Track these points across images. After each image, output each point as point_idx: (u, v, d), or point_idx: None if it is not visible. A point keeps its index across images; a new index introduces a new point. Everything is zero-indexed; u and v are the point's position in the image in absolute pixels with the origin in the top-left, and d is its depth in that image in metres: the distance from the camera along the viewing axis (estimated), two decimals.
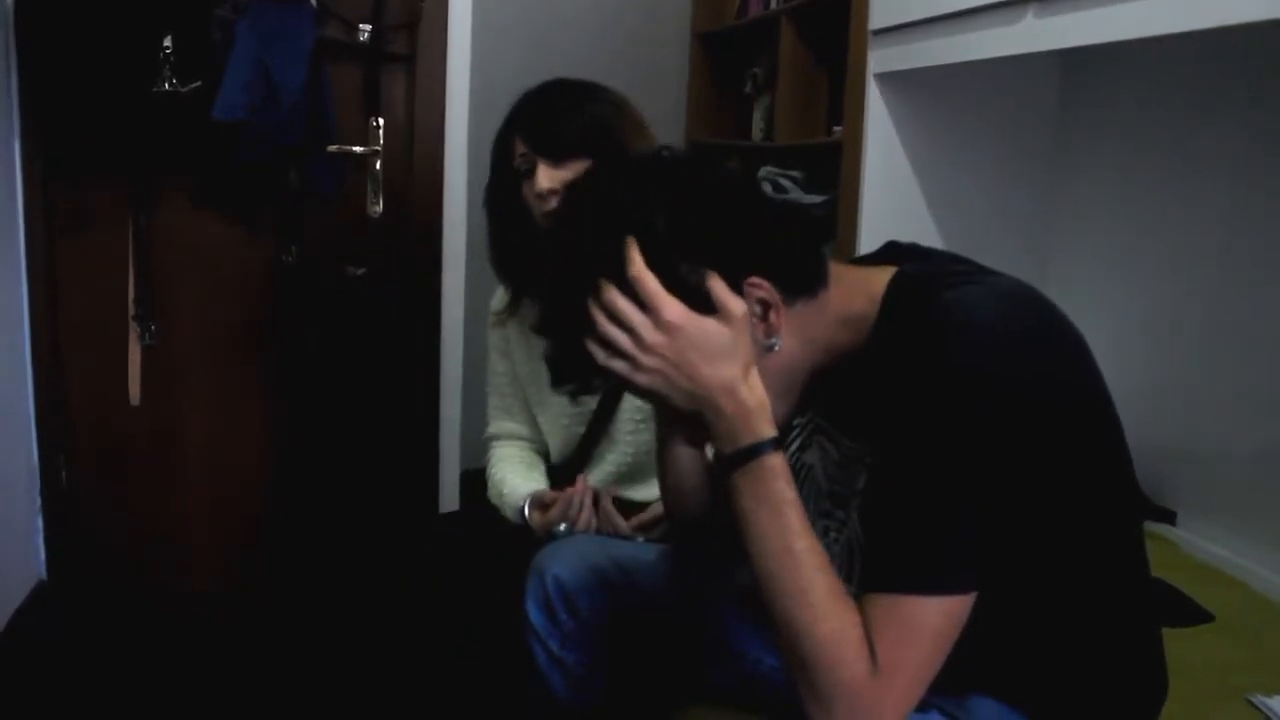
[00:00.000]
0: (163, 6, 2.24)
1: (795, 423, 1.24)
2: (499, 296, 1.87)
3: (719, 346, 1.03)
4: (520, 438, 1.90)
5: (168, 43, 2.25)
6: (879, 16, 2.05)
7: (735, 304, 1.03)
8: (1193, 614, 1.62)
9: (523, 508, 1.73)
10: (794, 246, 1.10)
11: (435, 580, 1.84)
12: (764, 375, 1.05)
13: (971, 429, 0.95)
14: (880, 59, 2.06)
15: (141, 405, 2.53)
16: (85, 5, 2.21)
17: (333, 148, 2.43)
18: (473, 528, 1.88)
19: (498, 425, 1.92)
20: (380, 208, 2.50)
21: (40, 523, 2.49)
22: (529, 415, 1.88)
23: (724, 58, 3.41)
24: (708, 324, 1.02)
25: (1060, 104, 2.17)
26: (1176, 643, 1.18)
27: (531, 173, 1.63)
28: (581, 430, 1.81)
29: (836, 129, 2.60)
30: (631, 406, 1.77)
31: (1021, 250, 2.17)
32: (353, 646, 2.40)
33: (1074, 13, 1.54)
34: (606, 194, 1.09)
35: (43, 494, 2.49)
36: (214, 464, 2.61)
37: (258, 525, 2.67)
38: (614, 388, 1.59)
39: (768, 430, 1.03)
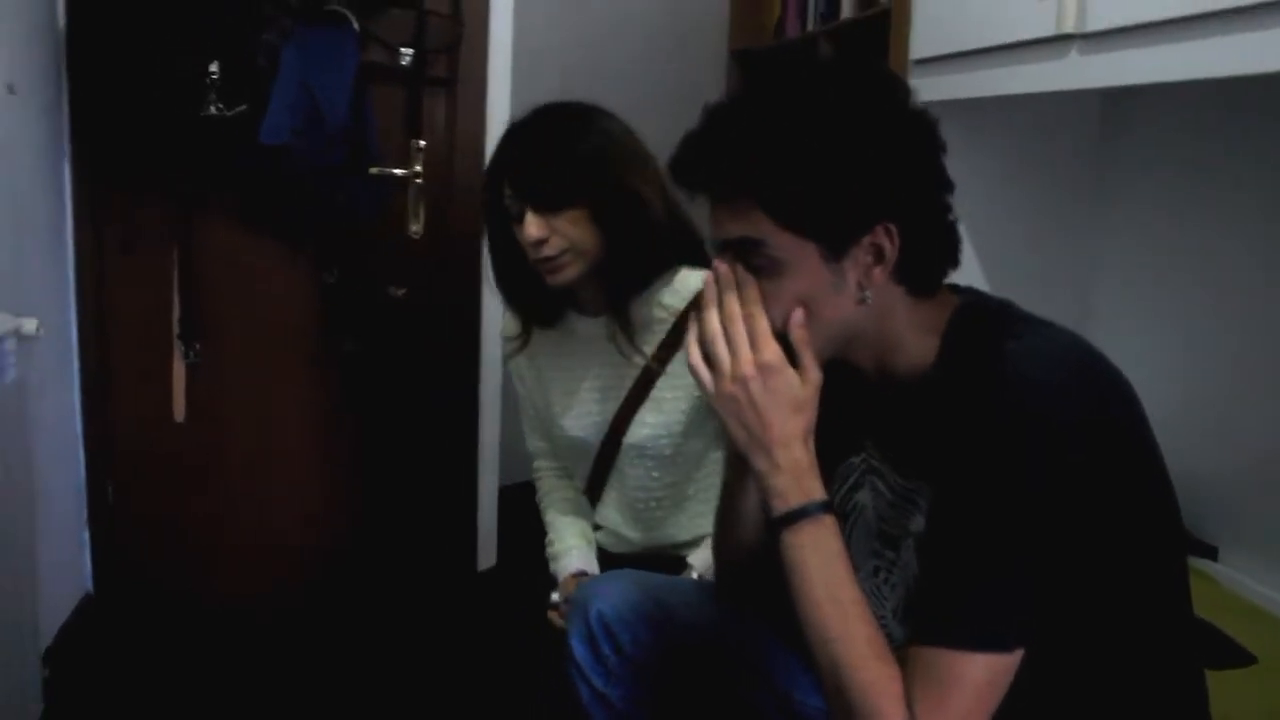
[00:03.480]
0: (210, 33, 2.27)
1: (850, 462, 1.26)
2: (508, 323, 1.85)
3: (794, 400, 1.07)
4: (559, 467, 1.93)
5: (214, 68, 2.28)
6: (920, 46, 2.05)
7: (815, 372, 1.07)
8: (1234, 655, 1.61)
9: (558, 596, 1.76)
10: (944, 239, 1.12)
11: (476, 602, 1.87)
12: (822, 310, 1.08)
13: (1026, 485, 0.96)
14: (922, 89, 2.06)
15: (186, 422, 2.56)
16: (135, 31, 2.24)
17: (375, 170, 2.46)
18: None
19: (533, 443, 1.94)
20: (421, 228, 2.52)
21: (86, 537, 2.53)
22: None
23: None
24: (793, 376, 1.07)
25: (1100, 139, 2.16)
26: (1216, 685, 1.17)
27: (521, 217, 1.58)
28: (589, 465, 1.81)
29: None
30: (636, 451, 1.75)
31: (1062, 282, 2.17)
32: (397, 664, 2.43)
33: (1119, 51, 1.54)
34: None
35: (89, 509, 2.52)
36: (257, 480, 2.64)
37: (300, 541, 2.70)
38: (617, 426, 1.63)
39: (818, 491, 1.05)
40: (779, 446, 1.06)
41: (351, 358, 2.61)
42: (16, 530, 1.88)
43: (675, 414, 1.70)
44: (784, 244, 1.05)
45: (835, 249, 1.06)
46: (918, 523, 1.14)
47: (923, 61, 2.05)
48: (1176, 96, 1.94)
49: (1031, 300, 2.04)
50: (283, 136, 2.26)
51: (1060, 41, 1.64)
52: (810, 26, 3.11)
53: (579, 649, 1.44)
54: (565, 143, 1.59)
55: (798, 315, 1.07)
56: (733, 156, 1.05)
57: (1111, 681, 1.07)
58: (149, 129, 2.34)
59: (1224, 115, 1.87)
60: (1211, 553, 1.90)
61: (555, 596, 1.75)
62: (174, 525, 2.61)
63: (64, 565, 2.42)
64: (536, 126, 1.62)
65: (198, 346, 2.52)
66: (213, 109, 2.29)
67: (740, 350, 1.07)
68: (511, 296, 1.76)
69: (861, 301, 1.08)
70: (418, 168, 2.50)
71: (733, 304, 1.08)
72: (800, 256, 1.06)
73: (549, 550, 1.84)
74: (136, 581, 2.57)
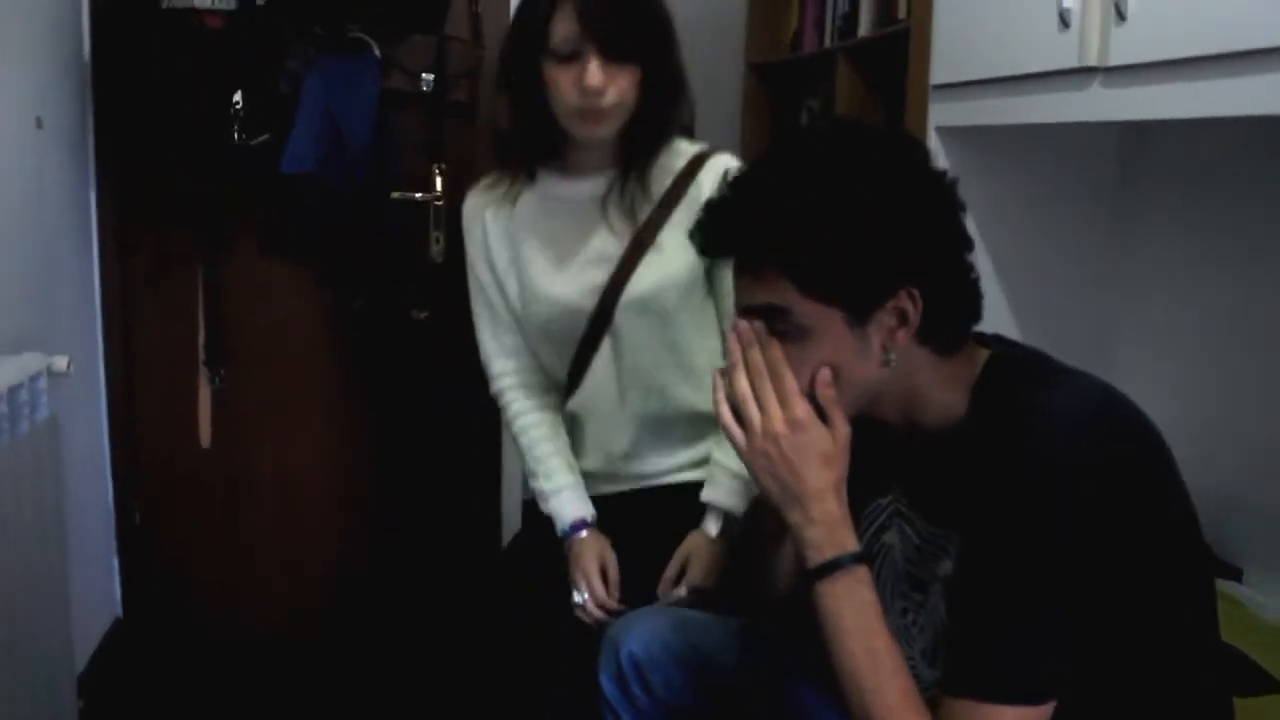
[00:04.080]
0: (234, 63, 2.29)
1: (878, 503, 1.27)
2: (484, 183, 1.79)
3: (825, 454, 1.09)
4: (524, 375, 1.83)
5: (238, 98, 2.30)
6: (939, 72, 2.05)
7: (844, 426, 1.09)
8: (1261, 682, 1.61)
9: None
10: (966, 298, 1.14)
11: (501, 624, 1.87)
12: (847, 374, 1.10)
13: (1055, 532, 0.98)
14: (941, 113, 2.07)
15: (212, 447, 2.59)
16: (159, 63, 2.28)
17: (397, 194, 2.48)
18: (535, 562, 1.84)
19: (493, 350, 1.83)
20: (443, 252, 2.54)
21: (116, 562, 2.56)
22: (519, 337, 1.80)
23: (778, 89, 3.42)
24: (823, 430, 1.09)
25: (1121, 169, 2.16)
26: (1244, 714, 1.18)
27: (574, 58, 1.53)
28: (576, 339, 1.73)
29: None
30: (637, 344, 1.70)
31: (1081, 314, 2.17)
32: (425, 686, 2.45)
33: (1143, 85, 1.54)
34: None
35: (118, 534, 2.56)
36: (283, 504, 2.67)
37: (326, 564, 2.72)
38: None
39: (851, 543, 1.07)
40: (812, 500, 1.07)
41: (361, 312, 2.60)
42: (50, 563, 1.91)
43: (678, 263, 1.67)
44: (809, 311, 1.07)
45: (859, 315, 1.07)
46: (946, 568, 1.15)
47: (942, 87, 2.05)
48: (1199, 130, 1.93)
49: (1051, 326, 2.07)
50: (306, 165, 2.28)
51: (1083, 73, 1.64)
52: (827, 42, 3.10)
53: (609, 687, 1.46)
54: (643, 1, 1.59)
55: (824, 375, 1.09)
56: (756, 226, 1.07)
57: (1138, 713, 1.08)
58: (173, 159, 2.38)
59: (1247, 150, 1.86)
60: (1237, 574, 1.90)
61: (578, 598, 1.70)
62: (201, 549, 2.64)
63: (95, 591, 2.45)
64: None
65: (223, 372, 2.55)
66: (236, 138, 2.31)
67: (770, 408, 1.09)
68: (513, 143, 1.70)
69: (886, 364, 1.10)
70: (439, 192, 2.52)
71: (758, 360, 1.10)
72: (825, 323, 1.08)
73: (535, 486, 1.79)
74: (165, 605, 2.60)
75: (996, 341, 1.19)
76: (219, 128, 2.31)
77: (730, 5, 3.46)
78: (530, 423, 1.82)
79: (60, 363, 1.93)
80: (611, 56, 1.53)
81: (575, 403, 1.79)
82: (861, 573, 1.07)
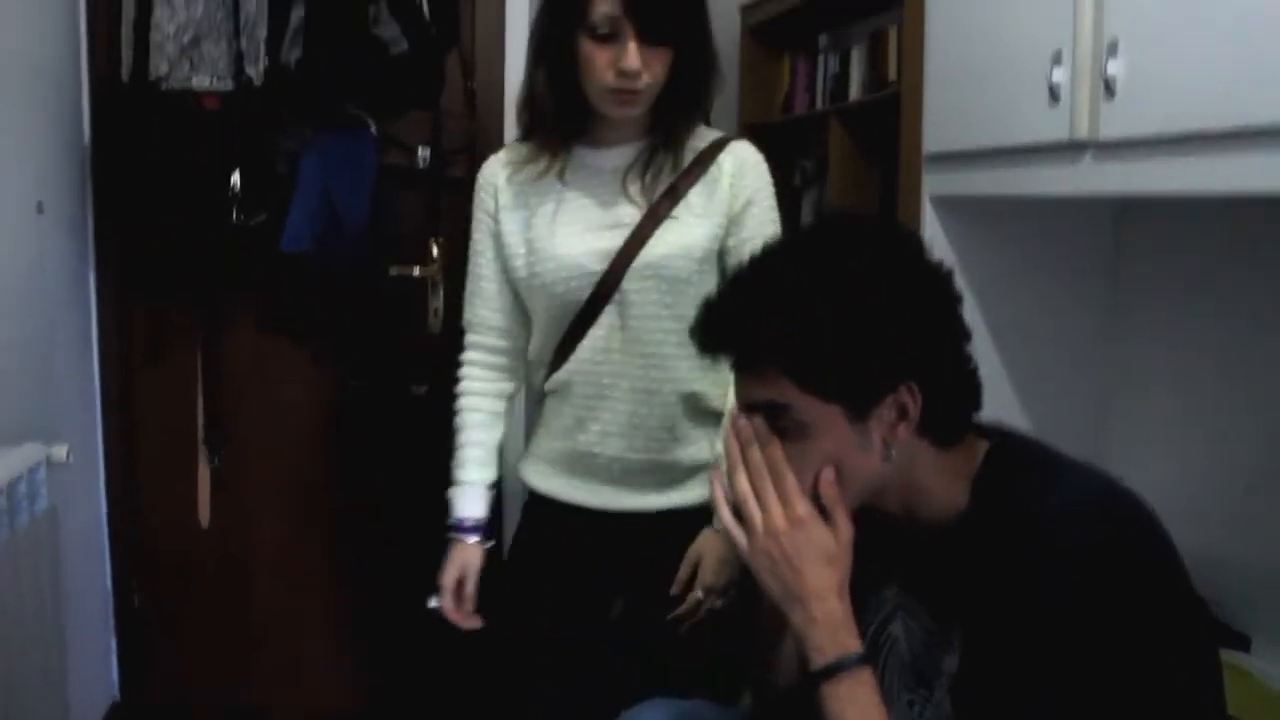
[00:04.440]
0: (231, 144, 2.31)
1: (882, 595, 1.26)
2: (504, 152, 1.79)
3: (827, 553, 1.08)
4: (492, 355, 1.81)
5: (235, 178, 2.32)
6: (933, 141, 2.07)
7: (846, 525, 1.09)
8: None
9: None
10: (965, 389, 1.14)
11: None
12: (849, 469, 1.10)
13: (1049, 619, 0.97)
14: (935, 182, 2.08)
15: (210, 527, 2.58)
16: (158, 145, 2.29)
17: (394, 270, 2.49)
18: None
19: (472, 311, 1.81)
20: (440, 326, 2.54)
21: (114, 643, 2.55)
22: (509, 303, 1.78)
23: (772, 149, 3.42)
24: (825, 529, 1.09)
25: (1115, 240, 2.16)
26: None
27: (612, 39, 1.54)
28: (580, 300, 1.69)
29: None
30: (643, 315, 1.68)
31: (1075, 386, 2.17)
32: None
33: (1135, 160, 1.55)
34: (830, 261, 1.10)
35: (116, 617, 2.54)
36: (282, 584, 2.65)
37: (326, 644, 2.70)
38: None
39: (854, 644, 1.06)
40: (814, 600, 1.07)
41: (356, 393, 2.61)
42: (47, 649, 1.90)
43: (693, 234, 1.67)
44: (809, 407, 1.07)
45: (860, 410, 1.07)
46: (951, 663, 1.14)
47: (936, 157, 2.06)
48: (1195, 204, 1.94)
49: (1046, 398, 2.07)
50: (304, 244, 2.29)
51: (1075, 147, 1.65)
52: (819, 104, 3.14)
53: None
54: None
55: (828, 474, 1.08)
56: (755, 325, 1.07)
57: None
58: (173, 240, 2.39)
59: (1242, 224, 1.87)
60: (1245, 644, 1.89)
61: (433, 602, 1.75)
62: (199, 631, 2.62)
63: (92, 674, 2.44)
64: None
65: (222, 452, 2.54)
66: (235, 219, 2.32)
67: (771, 507, 1.08)
68: (545, 115, 1.69)
69: (887, 458, 1.09)
70: (436, 267, 2.53)
71: (758, 459, 1.10)
72: (826, 419, 1.08)
73: (452, 467, 1.81)
74: (163, 687, 2.58)
75: (995, 432, 1.19)
76: (217, 208, 2.32)
77: (726, 67, 3.48)
78: (472, 406, 1.81)
79: (60, 452, 1.93)
80: (649, 39, 1.55)
81: (564, 373, 1.73)
82: (865, 675, 1.06)
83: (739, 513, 1.12)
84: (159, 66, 2.26)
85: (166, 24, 2.28)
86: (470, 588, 1.75)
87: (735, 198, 1.69)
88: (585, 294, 1.67)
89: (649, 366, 1.69)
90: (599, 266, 1.66)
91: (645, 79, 1.58)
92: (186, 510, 2.55)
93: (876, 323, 1.04)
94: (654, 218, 1.67)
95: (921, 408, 1.08)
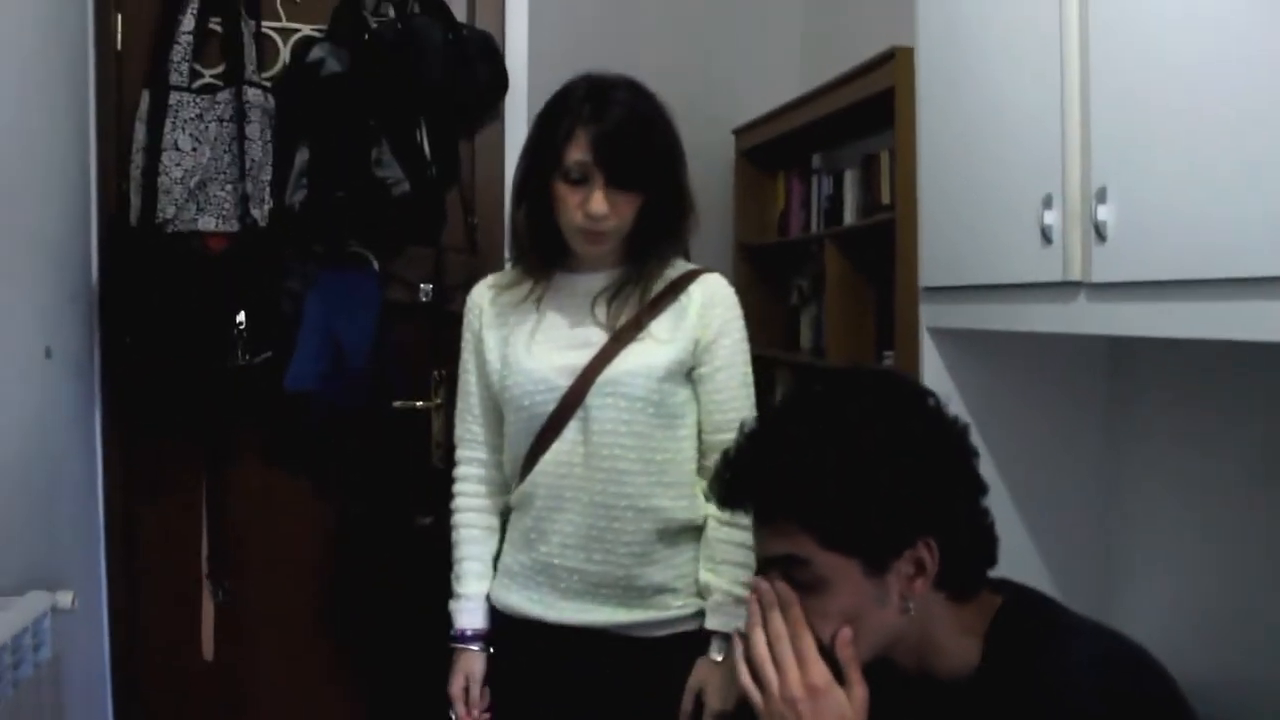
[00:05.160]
0: (236, 285, 2.35)
1: None
2: (493, 276, 1.92)
3: (842, 718, 1.09)
4: (486, 469, 1.90)
5: (241, 318, 2.35)
6: (929, 275, 2.10)
7: (861, 688, 1.09)
8: None
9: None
10: (982, 544, 1.14)
11: None
12: (865, 623, 1.11)
13: None
14: (932, 313, 2.11)
15: (214, 660, 2.56)
16: (163, 287, 2.33)
17: (397, 404, 2.51)
18: None
19: (464, 427, 1.91)
20: (443, 458, 2.55)
21: None
22: (495, 419, 1.86)
23: (768, 268, 3.49)
24: (841, 695, 1.09)
25: (1109, 382, 2.18)
26: None
27: (583, 183, 1.67)
28: (545, 414, 1.76)
29: (887, 353, 2.66)
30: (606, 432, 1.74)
31: (1078, 519, 2.17)
32: None
33: (1127, 302, 1.57)
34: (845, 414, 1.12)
35: None
36: (285, 716, 2.62)
37: None
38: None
39: None
40: None
41: (363, 519, 2.61)
42: None
43: (658, 357, 1.75)
44: (828, 562, 1.08)
45: (878, 565, 1.09)
46: None
47: (932, 290, 2.09)
48: (1189, 343, 1.96)
49: (1048, 530, 2.07)
50: (308, 383, 2.32)
51: (1068, 287, 1.68)
52: (814, 227, 3.19)
53: None
54: (647, 125, 1.71)
55: (845, 634, 1.09)
56: (774, 480, 1.09)
57: None
58: (178, 380, 2.41)
59: (1238, 364, 1.88)
60: None
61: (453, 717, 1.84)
62: None
63: None
64: (618, 98, 1.69)
65: (227, 584, 2.53)
66: (240, 359, 2.35)
67: (788, 672, 1.09)
68: (525, 247, 1.82)
69: (905, 611, 1.10)
70: (439, 400, 2.55)
71: (778, 624, 1.10)
72: (844, 574, 1.09)
73: (453, 581, 1.89)
74: None
75: (1005, 586, 1.20)
76: (223, 348, 2.35)
77: (720, 187, 3.56)
78: (467, 522, 1.90)
79: (65, 600, 1.92)
80: (616, 185, 1.67)
81: (528, 484, 1.78)
82: None
83: (756, 674, 1.12)
84: (166, 209, 2.32)
85: (174, 168, 2.34)
86: (476, 692, 1.83)
87: (705, 327, 1.77)
88: (550, 407, 1.75)
89: (608, 481, 1.74)
90: (565, 382, 1.74)
91: (611, 221, 1.70)
92: (190, 643, 2.54)
93: (896, 479, 1.06)
94: (619, 339, 1.75)
95: (939, 563, 1.09)
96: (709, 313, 1.79)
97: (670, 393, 1.77)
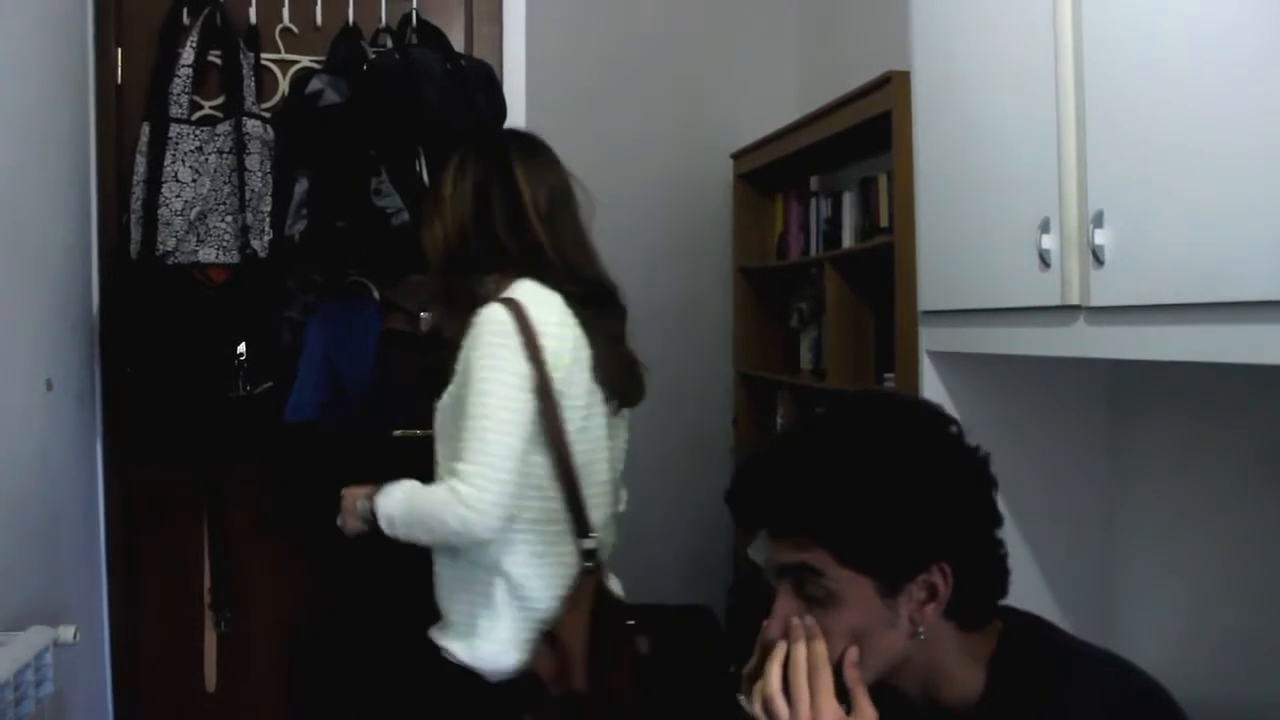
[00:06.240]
0: (236, 315, 2.35)
1: None
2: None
3: None
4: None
5: (241, 349, 2.35)
6: (928, 298, 2.10)
7: (870, 711, 1.09)
8: None
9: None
10: (995, 574, 1.14)
11: None
12: (873, 644, 1.10)
13: None
14: (931, 337, 2.11)
15: (217, 691, 2.55)
16: (165, 318, 2.33)
17: (398, 432, 2.51)
18: None
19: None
20: None
21: None
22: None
23: (768, 291, 3.49)
24: None
25: (1110, 404, 2.18)
26: None
27: None
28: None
29: (888, 375, 2.66)
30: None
31: (1079, 540, 2.16)
32: None
33: (1125, 326, 1.57)
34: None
35: None
36: None
37: None
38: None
39: None
40: None
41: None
42: None
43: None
44: (841, 577, 1.08)
45: (891, 585, 1.08)
46: None
47: (931, 313, 2.09)
48: (1189, 365, 1.96)
49: (1048, 553, 2.06)
50: (309, 413, 2.32)
51: (1067, 310, 1.68)
52: (813, 250, 3.19)
53: None
54: None
55: (852, 654, 1.09)
56: (793, 493, 1.09)
57: None
58: (178, 411, 2.41)
59: (1239, 386, 1.87)
60: None
61: None
62: None
63: None
64: None
65: (229, 615, 2.53)
66: (240, 389, 2.35)
67: (800, 709, 1.08)
68: None
69: (914, 635, 1.10)
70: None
71: (801, 658, 1.10)
72: (856, 591, 1.08)
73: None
74: None
75: (1006, 613, 1.19)
76: (223, 379, 2.35)
77: (719, 210, 3.57)
78: None
79: (66, 634, 1.91)
80: None
81: None
82: None
83: (768, 706, 1.11)
84: (167, 241, 2.32)
85: (175, 200, 2.35)
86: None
87: None
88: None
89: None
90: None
91: None
92: (193, 675, 2.53)
93: (918, 501, 1.06)
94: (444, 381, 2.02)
95: (951, 589, 1.08)
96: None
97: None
